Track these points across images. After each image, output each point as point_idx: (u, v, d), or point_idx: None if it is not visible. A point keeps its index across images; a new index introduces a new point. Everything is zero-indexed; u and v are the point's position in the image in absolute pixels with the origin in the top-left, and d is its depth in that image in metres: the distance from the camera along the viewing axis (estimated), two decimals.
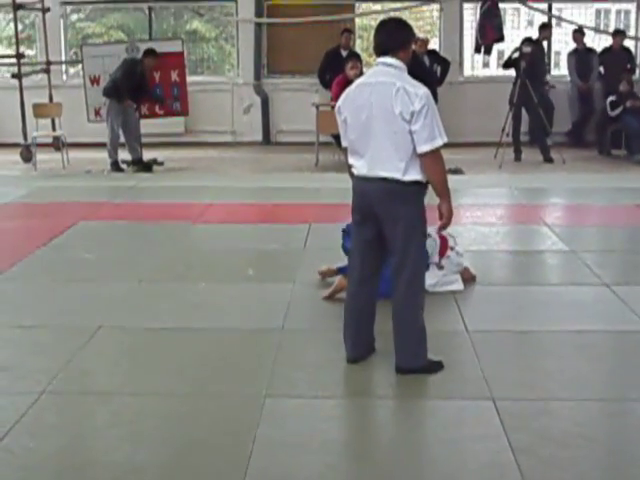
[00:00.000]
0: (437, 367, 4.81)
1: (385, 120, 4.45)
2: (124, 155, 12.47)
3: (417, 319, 4.76)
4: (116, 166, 12.35)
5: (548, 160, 12.98)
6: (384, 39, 4.60)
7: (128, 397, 4.54)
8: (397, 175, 4.50)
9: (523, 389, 4.64)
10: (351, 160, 4.70)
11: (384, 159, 4.50)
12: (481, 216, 9.05)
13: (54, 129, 13.80)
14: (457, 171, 11.75)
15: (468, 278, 6.54)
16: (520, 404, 4.45)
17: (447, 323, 5.71)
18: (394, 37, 4.59)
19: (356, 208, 4.75)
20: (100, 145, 12.97)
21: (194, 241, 8.22)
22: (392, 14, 15.22)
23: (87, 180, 11.78)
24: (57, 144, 13.57)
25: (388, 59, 4.56)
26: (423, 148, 4.44)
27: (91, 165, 12.71)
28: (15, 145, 13.58)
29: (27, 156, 13.14)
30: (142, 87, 12.41)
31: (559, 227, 8.57)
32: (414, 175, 4.53)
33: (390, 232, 4.64)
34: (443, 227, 4.81)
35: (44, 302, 6.23)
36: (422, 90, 4.44)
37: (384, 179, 4.52)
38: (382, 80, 4.50)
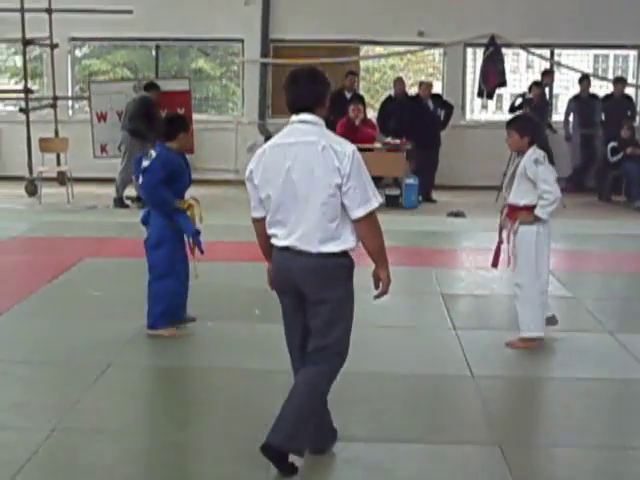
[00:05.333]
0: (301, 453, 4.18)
1: (311, 184, 3.95)
2: (128, 191, 12.56)
3: (314, 403, 4.19)
4: (120, 202, 12.44)
5: None
6: (299, 95, 4.08)
7: (138, 435, 4.59)
8: (327, 247, 3.99)
9: (529, 435, 4.70)
10: (272, 230, 4.14)
11: (311, 228, 3.98)
12: (483, 260, 9.09)
13: (59, 164, 13.91)
14: (459, 214, 11.88)
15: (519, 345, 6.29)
16: (526, 450, 4.50)
17: (452, 368, 5.77)
18: (310, 92, 4.08)
19: (279, 284, 4.19)
20: (104, 180, 13.09)
21: (200, 279, 8.25)
22: (395, 57, 15.43)
23: (92, 215, 11.85)
24: (62, 179, 13.67)
25: (306, 116, 4.05)
26: (357, 213, 3.95)
27: (95, 200, 12.79)
28: (20, 179, 13.65)
29: (32, 190, 13.23)
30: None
31: (561, 273, 8.63)
32: (344, 244, 4.02)
33: (313, 312, 4.11)
34: (381, 295, 4.23)
35: (53, 339, 6.26)
36: (350, 148, 3.98)
37: (313, 254, 4.00)
38: (303, 139, 4.00)
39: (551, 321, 6.44)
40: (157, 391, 5.27)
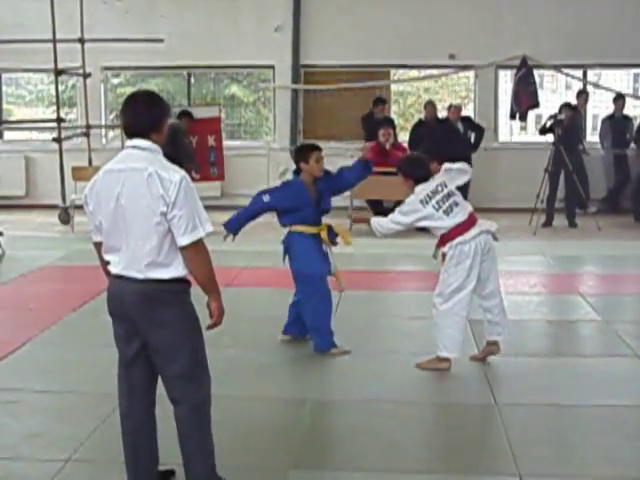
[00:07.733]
0: None
1: (138, 210, 3.89)
2: None
3: (208, 452, 4.21)
4: None
5: (572, 225, 13.04)
6: (132, 120, 4.03)
7: None
8: (154, 274, 3.94)
9: (550, 465, 4.57)
10: (106, 257, 4.07)
11: (140, 255, 3.92)
12: (514, 284, 9.00)
13: None
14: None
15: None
16: None
17: (475, 396, 5.67)
18: (143, 118, 4.00)
19: (112, 311, 4.11)
20: None
21: (226, 306, 8.22)
22: (427, 81, 15.40)
23: None
24: None
25: (139, 141, 3.99)
26: (182, 241, 3.89)
27: None
28: (54, 207, 13.81)
29: (65, 218, 13.35)
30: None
31: (593, 296, 8.50)
32: (175, 271, 3.98)
33: (150, 341, 4.04)
34: (212, 326, 4.28)
35: (73, 368, 6.28)
36: (178, 175, 3.89)
37: (140, 280, 3.95)
38: (132, 166, 3.93)
39: (492, 347, 6.34)
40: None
